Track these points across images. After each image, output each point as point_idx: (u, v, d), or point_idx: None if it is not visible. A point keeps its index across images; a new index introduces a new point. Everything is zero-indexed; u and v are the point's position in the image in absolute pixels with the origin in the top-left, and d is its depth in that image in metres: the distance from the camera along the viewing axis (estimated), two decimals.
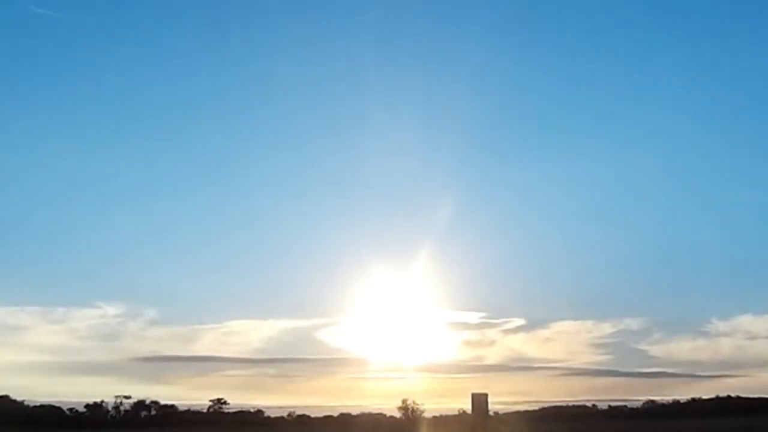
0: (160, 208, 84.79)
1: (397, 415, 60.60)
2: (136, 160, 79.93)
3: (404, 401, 59.62)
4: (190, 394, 74.58)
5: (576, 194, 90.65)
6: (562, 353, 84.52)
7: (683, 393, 72.59)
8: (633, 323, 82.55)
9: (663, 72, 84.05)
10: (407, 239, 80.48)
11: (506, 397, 66.63)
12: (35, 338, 74.94)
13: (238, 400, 65.04)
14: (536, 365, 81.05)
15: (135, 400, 60.84)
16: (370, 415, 61.61)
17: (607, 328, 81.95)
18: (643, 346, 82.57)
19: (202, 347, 78.23)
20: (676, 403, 69.27)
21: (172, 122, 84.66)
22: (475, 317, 78.71)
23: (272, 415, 64.00)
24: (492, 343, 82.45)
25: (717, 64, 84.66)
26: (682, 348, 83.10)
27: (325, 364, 78.63)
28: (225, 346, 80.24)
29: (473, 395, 31.38)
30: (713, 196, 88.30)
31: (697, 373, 78.58)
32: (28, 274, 78.00)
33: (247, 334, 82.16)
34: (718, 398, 68.76)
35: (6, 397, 57.05)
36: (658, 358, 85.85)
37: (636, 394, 76.11)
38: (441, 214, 73.92)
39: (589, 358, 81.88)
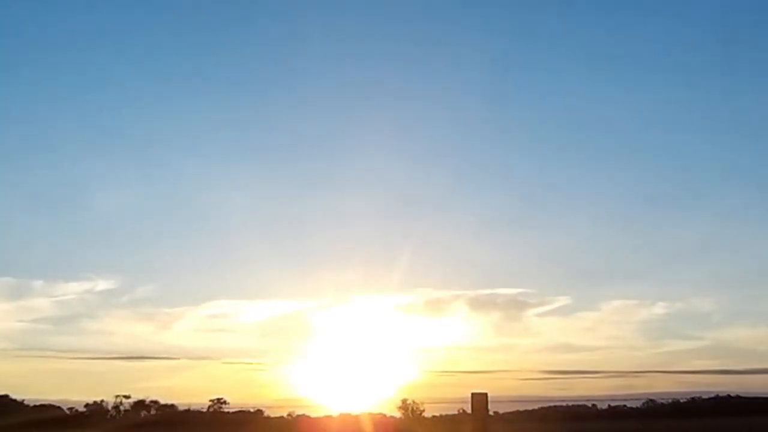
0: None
1: (397, 414, 60.54)
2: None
3: (404, 401, 59.50)
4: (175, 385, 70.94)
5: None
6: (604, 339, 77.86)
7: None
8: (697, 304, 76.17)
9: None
10: (411, 214, 74.92)
11: (507, 394, 65.76)
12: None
13: (233, 393, 64.65)
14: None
15: (135, 399, 61.13)
16: (369, 414, 61.47)
17: (659, 308, 75.41)
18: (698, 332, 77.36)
19: (186, 331, 73.97)
20: (676, 403, 69.15)
21: (170, 113, 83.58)
22: (509, 294, 71.39)
23: (272, 415, 64.06)
24: (520, 330, 75.76)
25: None
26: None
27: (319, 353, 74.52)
28: (211, 332, 75.78)
29: (473, 395, 31.42)
30: None
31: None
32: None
33: (235, 316, 77.40)
34: (717, 398, 68.74)
35: (6, 396, 57.18)
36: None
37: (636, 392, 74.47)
38: None
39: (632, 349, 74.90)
